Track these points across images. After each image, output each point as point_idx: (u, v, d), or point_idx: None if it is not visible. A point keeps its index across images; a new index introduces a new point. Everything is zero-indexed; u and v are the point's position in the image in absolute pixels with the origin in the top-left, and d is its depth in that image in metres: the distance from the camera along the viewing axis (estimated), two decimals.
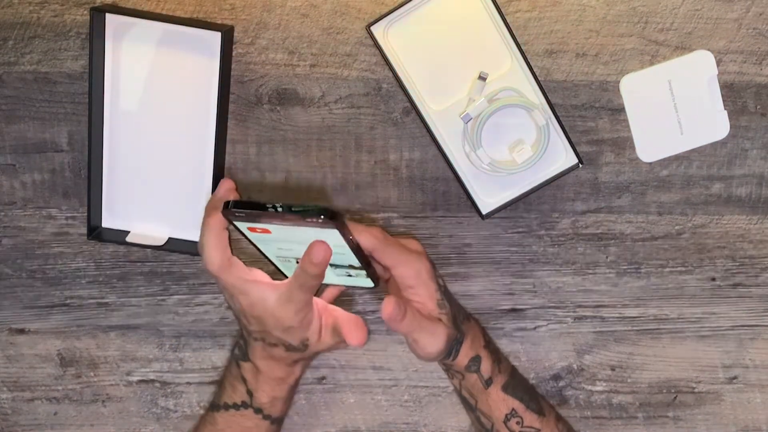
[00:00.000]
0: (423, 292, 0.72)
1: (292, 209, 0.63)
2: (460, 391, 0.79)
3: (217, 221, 0.71)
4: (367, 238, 0.69)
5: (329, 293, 0.79)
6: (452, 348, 0.74)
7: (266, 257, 0.73)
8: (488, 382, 0.76)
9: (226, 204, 0.65)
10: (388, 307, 0.67)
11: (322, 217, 0.63)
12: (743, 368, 0.85)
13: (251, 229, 0.68)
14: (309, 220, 0.63)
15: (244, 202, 0.65)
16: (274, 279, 0.74)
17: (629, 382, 0.85)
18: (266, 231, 0.67)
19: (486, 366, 0.76)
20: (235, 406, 0.78)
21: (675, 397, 0.86)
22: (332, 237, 0.65)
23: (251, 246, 0.71)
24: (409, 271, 0.71)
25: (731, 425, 0.86)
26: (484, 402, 0.77)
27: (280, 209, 0.63)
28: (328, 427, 0.88)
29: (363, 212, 0.82)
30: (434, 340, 0.72)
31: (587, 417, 0.86)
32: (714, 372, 0.85)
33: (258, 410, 0.77)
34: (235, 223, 0.67)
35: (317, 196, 0.81)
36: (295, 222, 0.64)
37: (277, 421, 0.79)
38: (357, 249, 0.68)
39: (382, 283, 0.74)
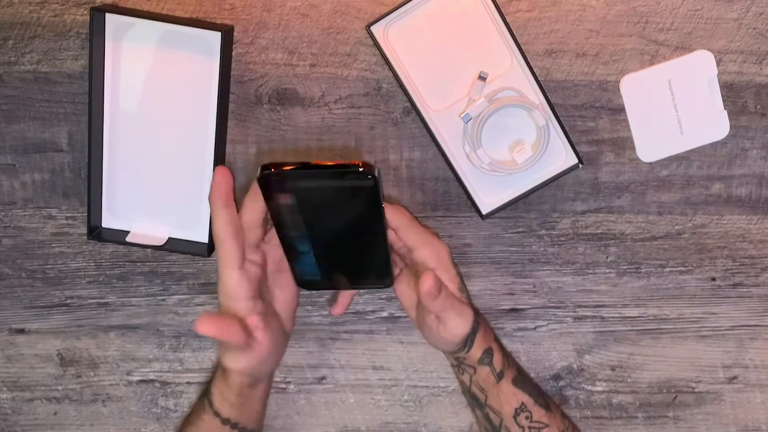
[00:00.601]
0: (444, 275, 0.72)
1: (329, 165, 0.61)
2: (469, 387, 0.78)
3: (230, 212, 0.66)
4: (393, 214, 0.68)
5: (342, 300, 0.78)
6: (468, 338, 0.74)
7: (285, 243, 0.69)
8: (500, 376, 0.76)
9: (263, 167, 0.62)
10: (428, 281, 0.67)
11: (362, 167, 0.60)
12: (743, 368, 0.85)
13: (283, 199, 0.64)
14: (349, 170, 0.61)
15: (278, 164, 0.62)
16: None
17: (629, 382, 0.85)
18: (301, 209, 0.64)
19: (498, 359, 0.76)
20: (205, 394, 0.77)
21: (675, 397, 0.86)
22: (365, 201, 0.63)
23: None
24: (432, 252, 0.71)
25: (731, 425, 0.86)
26: (495, 396, 0.77)
27: (313, 169, 0.61)
28: (328, 427, 0.88)
29: None
30: (462, 321, 0.72)
31: (587, 417, 0.86)
32: (714, 372, 0.85)
33: (210, 403, 0.75)
34: (274, 194, 0.63)
35: None
36: (331, 179, 0.62)
37: (228, 423, 0.75)
38: (386, 223, 0.67)
39: (391, 282, 0.74)
